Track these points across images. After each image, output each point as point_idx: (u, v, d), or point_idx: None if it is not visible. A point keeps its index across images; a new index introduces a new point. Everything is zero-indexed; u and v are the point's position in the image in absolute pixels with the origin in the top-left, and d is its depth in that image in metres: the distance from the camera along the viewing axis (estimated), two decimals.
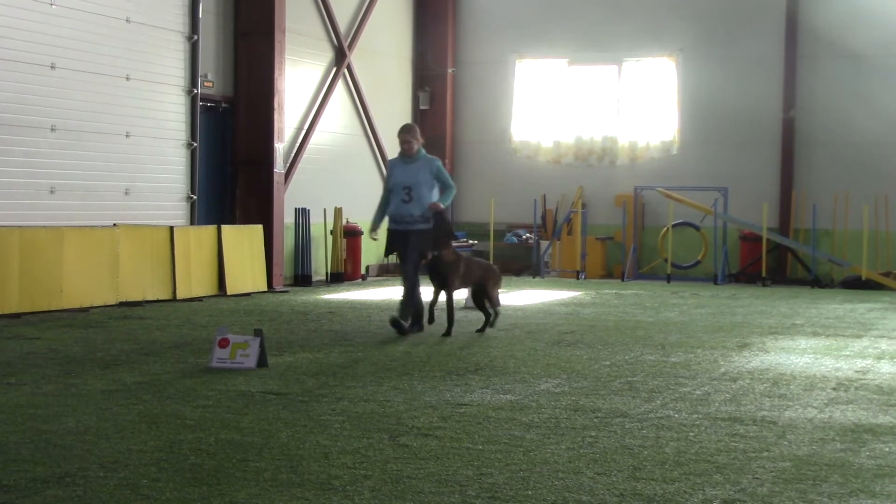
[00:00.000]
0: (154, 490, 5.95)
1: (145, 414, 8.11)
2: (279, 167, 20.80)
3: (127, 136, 18.26)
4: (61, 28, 16.96)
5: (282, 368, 10.44)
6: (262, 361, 10.41)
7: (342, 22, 23.88)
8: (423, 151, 13.84)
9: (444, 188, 13.62)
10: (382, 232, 14.26)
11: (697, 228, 24.68)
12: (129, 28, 18.26)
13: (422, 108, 27.12)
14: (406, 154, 13.69)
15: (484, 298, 13.62)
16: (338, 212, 22.59)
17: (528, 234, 26.20)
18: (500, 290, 13.94)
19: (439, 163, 13.80)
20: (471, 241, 26.37)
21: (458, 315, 15.94)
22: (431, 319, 13.52)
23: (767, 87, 25.05)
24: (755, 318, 16.07)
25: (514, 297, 19.30)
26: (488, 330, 13.78)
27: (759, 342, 13.12)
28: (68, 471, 6.34)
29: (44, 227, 15.86)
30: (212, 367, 10.36)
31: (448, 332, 13.28)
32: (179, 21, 19.30)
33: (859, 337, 13.89)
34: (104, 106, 17.81)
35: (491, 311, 13.72)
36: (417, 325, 13.55)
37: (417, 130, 13.98)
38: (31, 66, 16.51)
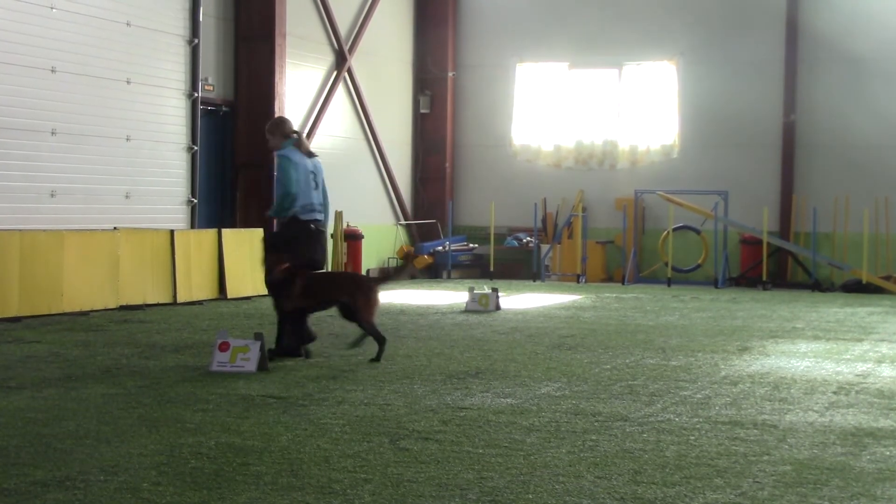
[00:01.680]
0: (154, 494, 5.95)
1: (145, 418, 8.10)
2: None
3: (127, 139, 18.27)
4: (62, 32, 16.97)
5: (282, 372, 10.44)
6: (262, 365, 10.40)
7: (342, 26, 23.89)
8: (283, 148, 11.73)
9: None
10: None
11: (698, 232, 24.68)
12: (129, 32, 18.27)
13: (422, 111, 27.14)
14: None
15: (354, 317, 11.41)
16: (338, 215, 22.59)
17: (528, 238, 26.20)
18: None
19: (279, 159, 11.67)
20: (471, 245, 26.39)
21: (458, 318, 15.95)
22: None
23: (768, 91, 25.06)
24: (756, 322, 16.06)
25: (515, 300, 19.30)
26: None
27: (760, 346, 13.12)
28: (69, 474, 6.34)
29: (44, 230, 15.85)
30: (212, 371, 10.35)
31: (275, 352, 11.27)
32: (180, 25, 19.31)
33: (860, 340, 13.88)
34: (105, 109, 17.83)
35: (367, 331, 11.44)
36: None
37: (273, 125, 12.06)
38: (32, 69, 16.53)
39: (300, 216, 11.63)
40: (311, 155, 11.93)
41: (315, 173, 11.83)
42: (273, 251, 11.41)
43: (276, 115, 20.60)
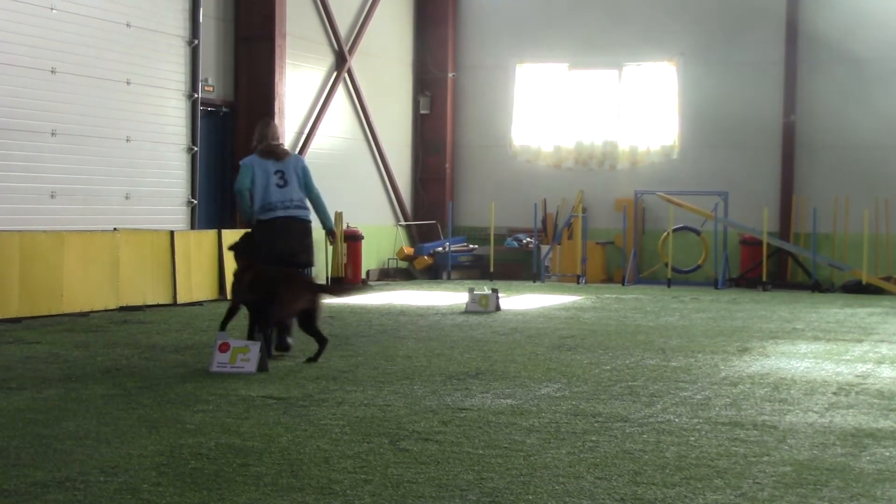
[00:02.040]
0: (154, 495, 5.95)
1: (145, 418, 8.10)
2: None
3: (127, 140, 18.28)
4: (62, 32, 16.97)
5: (282, 373, 10.44)
6: (262, 366, 10.40)
7: (342, 26, 23.89)
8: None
9: None
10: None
11: (698, 233, 24.68)
12: (129, 32, 18.27)
13: (422, 112, 27.14)
14: None
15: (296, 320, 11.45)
16: (338, 216, 22.58)
17: (528, 239, 26.19)
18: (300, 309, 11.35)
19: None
20: (471, 246, 26.38)
21: (458, 319, 15.97)
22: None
23: (768, 92, 25.06)
24: (756, 323, 16.07)
25: (515, 301, 19.30)
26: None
27: (760, 346, 13.12)
28: (69, 475, 6.34)
29: (44, 231, 15.85)
30: (212, 372, 10.35)
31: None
32: (180, 25, 19.31)
33: (860, 341, 13.89)
34: (105, 110, 17.83)
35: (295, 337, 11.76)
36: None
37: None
38: (32, 70, 16.52)
39: (259, 217, 11.86)
40: (278, 156, 12.02)
41: (283, 171, 11.95)
42: (239, 255, 11.59)
43: (276, 115, 20.63)
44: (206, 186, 20.21)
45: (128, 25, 18.23)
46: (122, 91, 18.19)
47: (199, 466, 6.61)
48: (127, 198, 18.25)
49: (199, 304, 17.98)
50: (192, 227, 19.35)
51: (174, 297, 17.70)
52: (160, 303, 17.43)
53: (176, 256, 17.78)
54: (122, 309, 16.60)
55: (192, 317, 15.97)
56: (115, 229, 17.05)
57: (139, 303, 17.00)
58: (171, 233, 17.92)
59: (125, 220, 17.88)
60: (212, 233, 18.92)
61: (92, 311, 16.06)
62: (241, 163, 12.17)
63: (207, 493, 5.99)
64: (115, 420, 8.03)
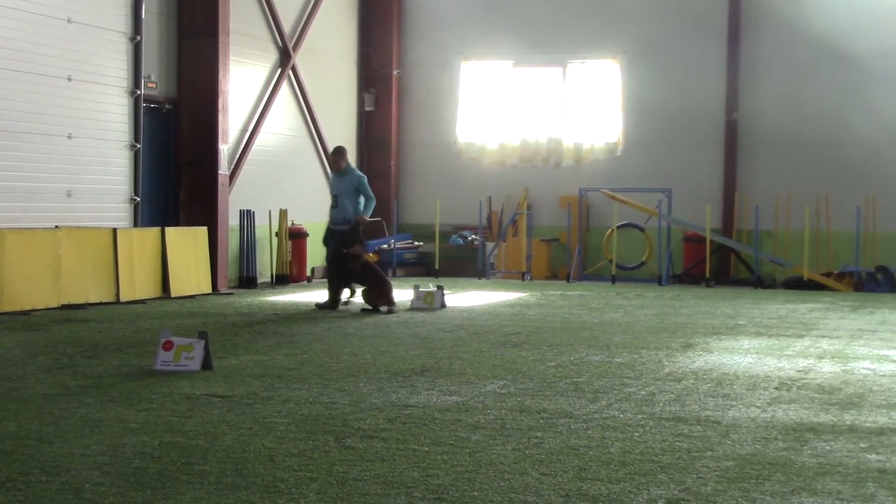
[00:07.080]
0: (97, 494, 5.90)
1: (88, 417, 8.03)
2: (223, 169, 20.68)
3: (69, 137, 18.08)
4: (1, 28, 16.76)
5: (226, 371, 10.39)
6: (206, 364, 10.35)
7: (287, 23, 23.79)
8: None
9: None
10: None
11: (642, 230, 24.81)
12: (70, 28, 18.08)
13: (367, 109, 27.07)
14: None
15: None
16: (283, 213, 22.51)
17: (473, 236, 26.22)
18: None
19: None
20: (416, 243, 26.37)
21: (403, 316, 15.96)
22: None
23: (710, 89, 25.24)
24: (699, 319, 16.19)
25: (460, 298, 19.33)
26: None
27: (703, 342, 13.22)
28: (9, 476, 6.27)
29: None
30: (156, 370, 10.29)
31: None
32: (122, 21, 19.13)
33: (801, 337, 14.03)
34: (46, 107, 17.62)
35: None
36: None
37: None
38: None
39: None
40: None
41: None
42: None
43: (220, 112, 20.50)
44: (149, 184, 20.04)
45: (69, 21, 18.04)
46: (64, 87, 17.99)
47: (142, 465, 6.56)
48: (69, 195, 18.06)
49: (143, 302, 17.85)
50: (135, 225, 19.18)
51: (117, 295, 17.56)
52: (103, 301, 17.28)
53: (119, 254, 17.64)
54: (64, 307, 16.43)
55: (135, 315, 15.84)
56: (56, 227, 16.88)
57: (81, 301, 16.84)
58: (114, 230, 17.77)
59: (67, 217, 17.69)
60: (155, 230, 18.78)
61: (33, 310, 15.88)
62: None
63: (151, 493, 5.95)
64: (57, 420, 7.95)
